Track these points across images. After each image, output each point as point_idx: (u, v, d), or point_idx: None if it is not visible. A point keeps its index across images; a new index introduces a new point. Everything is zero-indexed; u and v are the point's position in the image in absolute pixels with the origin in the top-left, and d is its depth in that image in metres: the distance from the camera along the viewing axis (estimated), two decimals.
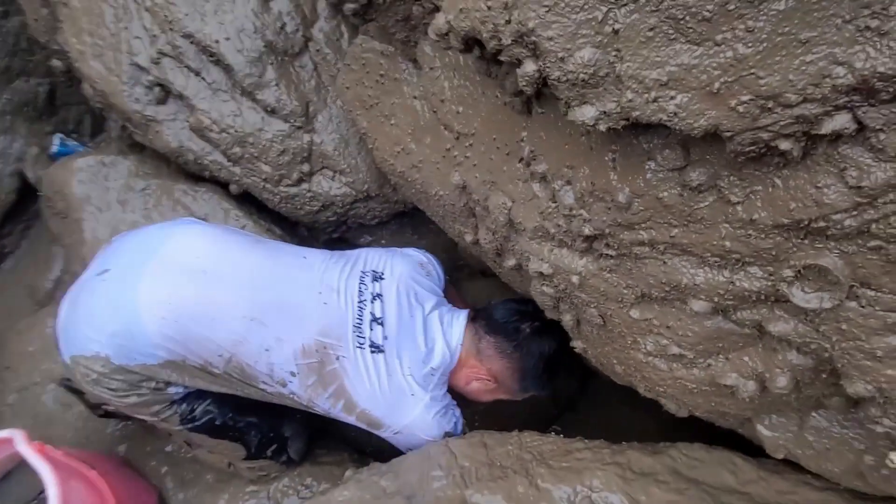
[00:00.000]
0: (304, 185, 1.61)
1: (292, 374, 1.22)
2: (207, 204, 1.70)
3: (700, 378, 0.98)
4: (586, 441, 1.13)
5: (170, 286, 1.16)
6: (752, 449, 1.13)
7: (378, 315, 1.29)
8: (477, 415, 1.65)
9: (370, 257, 1.43)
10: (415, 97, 1.28)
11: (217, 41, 1.47)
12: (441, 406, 1.29)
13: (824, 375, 0.85)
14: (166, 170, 1.79)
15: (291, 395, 1.25)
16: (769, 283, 0.79)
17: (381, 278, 1.37)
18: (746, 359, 0.91)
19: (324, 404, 1.25)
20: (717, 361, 0.95)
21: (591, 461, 1.05)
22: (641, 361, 1.05)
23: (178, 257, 1.20)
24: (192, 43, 1.49)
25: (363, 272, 1.36)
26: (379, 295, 1.32)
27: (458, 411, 1.35)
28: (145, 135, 1.65)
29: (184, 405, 1.25)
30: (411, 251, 1.55)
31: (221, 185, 1.73)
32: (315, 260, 1.35)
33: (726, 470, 1.06)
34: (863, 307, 0.71)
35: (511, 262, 1.24)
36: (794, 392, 0.89)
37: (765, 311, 0.83)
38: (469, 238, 1.37)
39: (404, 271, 1.40)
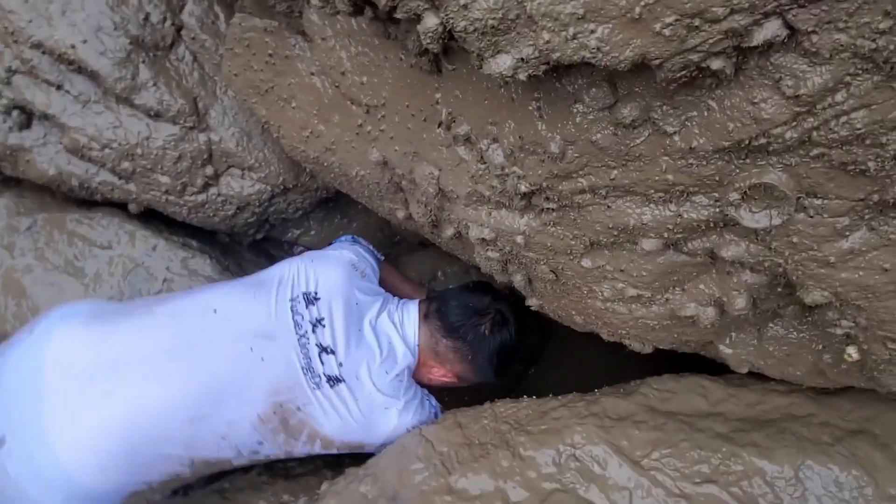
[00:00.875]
0: (213, 190, 1.47)
1: (259, 443, 1.13)
2: (107, 230, 1.53)
3: (660, 314, 0.97)
4: (560, 398, 1.10)
5: (86, 428, 1.00)
6: (715, 367, 1.15)
7: (325, 343, 1.15)
8: (444, 390, 1.61)
9: (294, 277, 1.23)
10: (312, 74, 1.17)
11: (73, 46, 1.28)
12: (416, 403, 1.21)
13: (779, 289, 0.85)
14: (52, 201, 1.60)
15: (267, 457, 1.18)
16: (716, 210, 0.76)
17: (316, 299, 1.20)
18: (702, 287, 0.90)
19: (302, 450, 1.17)
20: (675, 295, 0.93)
21: (569, 418, 1.03)
22: (600, 309, 1.02)
23: (72, 385, 1.02)
24: (43, 53, 1.30)
25: (292, 300, 1.19)
26: (319, 320, 1.17)
27: (432, 399, 1.30)
28: (15, 167, 1.44)
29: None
30: (335, 251, 1.36)
31: (120, 206, 1.55)
32: (230, 309, 1.15)
33: (697, 395, 1.07)
34: (811, 217, 0.70)
35: (449, 232, 1.17)
36: (752, 310, 0.89)
37: (715, 238, 0.81)
38: (401, 214, 1.29)
39: (338, 281, 1.24)
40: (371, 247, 1.50)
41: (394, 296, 1.36)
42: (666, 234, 0.82)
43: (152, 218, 1.58)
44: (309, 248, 1.79)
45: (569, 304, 1.09)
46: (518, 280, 1.12)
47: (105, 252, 1.52)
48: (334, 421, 1.14)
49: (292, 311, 1.17)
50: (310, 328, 1.16)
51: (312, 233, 1.78)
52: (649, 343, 1.07)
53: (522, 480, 0.96)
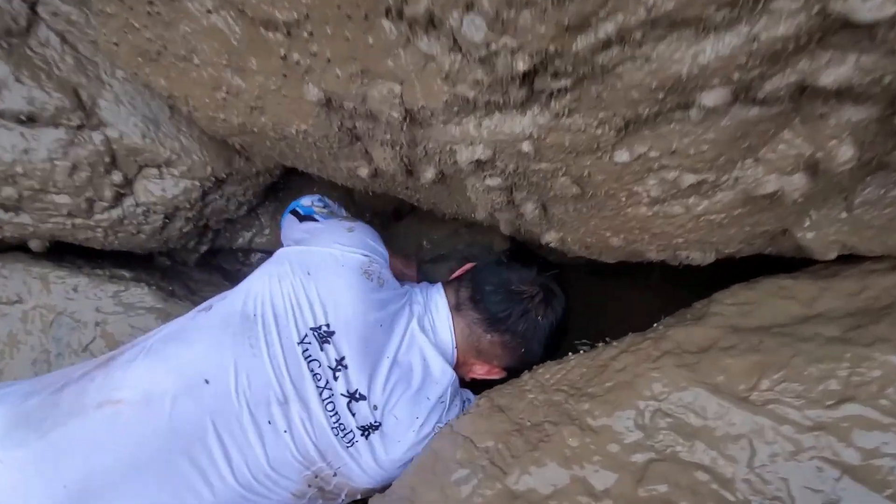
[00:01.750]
0: (128, 201, 1.18)
1: None
2: (11, 280, 1.23)
3: (729, 202, 0.73)
4: (615, 343, 0.87)
5: None
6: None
7: (353, 389, 0.89)
8: None
9: (294, 306, 0.91)
10: (209, 11, 0.89)
11: None
12: (457, 412, 0.99)
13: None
14: None
15: None
16: (810, 13, 0.52)
17: (329, 334, 0.90)
18: (785, 147, 0.67)
19: None
20: (747, 170, 0.70)
21: (637, 365, 0.79)
22: (646, 217, 0.78)
23: None
24: None
25: (302, 342, 0.88)
26: (340, 361, 0.89)
27: (467, 393, 1.06)
28: None
29: None
30: (335, 250, 1.00)
31: (20, 248, 1.25)
32: (226, 374, 0.84)
33: (783, 298, 0.84)
34: None
35: (430, 174, 0.92)
36: (857, 161, 0.66)
37: (805, 64, 0.57)
38: (364, 172, 1.03)
39: (354, 303, 0.92)
40: (376, 238, 1.12)
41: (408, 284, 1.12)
42: (736, 76, 0.58)
43: (65, 253, 1.29)
44: (269, 253, 1.52)
45: (600, 224, 0.85)
46: (530, 210, 0.87)
47: (15, 307, 1.23)
48: (374, 474, 0.91)
49: (305, 357, 0.88)
50: (330, 375, 0.88)
51: (267, 231, 1.50)
52: (712, 248, 0.84)
53: (604, 459, 0.72)
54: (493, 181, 0.81)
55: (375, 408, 0.90)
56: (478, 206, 0.98)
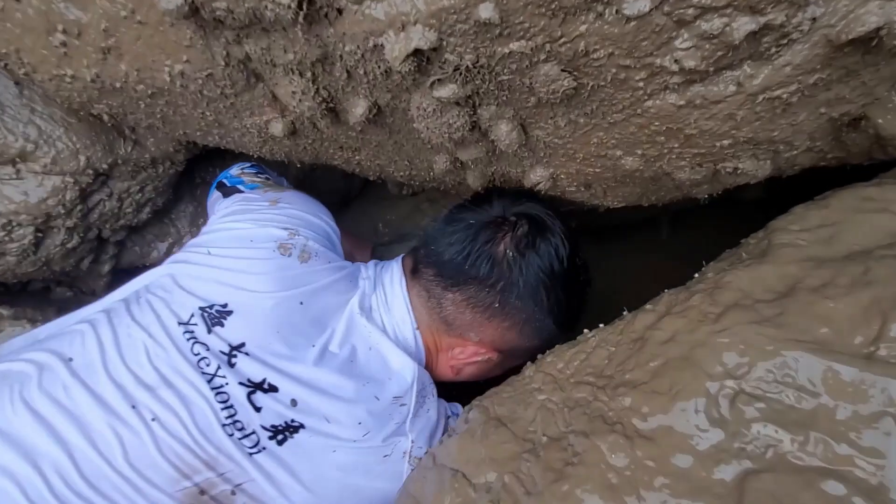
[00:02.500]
0: None
1: None
2: None
3: (804, 60, 0.48)
4: (649, 305, 0.61)
5: None
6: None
7: (258, 379, 0.66)
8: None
9: (185, 286, 0.73)
10: None
11: None
12: (431, 431, 0.72)
13: None
14: None
15: None
16: None
17: (226, 314, 0.70)
18: None
19: None
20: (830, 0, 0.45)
21: (692, 330, 0.54)
22: (677, 109, 0.53)
23: None
24: None
25: (187, 323, 0.69)
26: (238, 347, 0.68)
27: (456, 407, 0.80)
28: None
29: None
30: (254, 224, 0.82)
31: None
32: (92, 351, 0.66)
33: (873, 213, 0.60)
34: None
35: (361, 108, 0.66)
36: None
37: None
38: (279, 127, 0.76)
39: (261, 282, 0.74)
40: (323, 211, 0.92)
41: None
42: None
43: None
44: None
45: (607, 139, 0.59)
46: (504, 135, 0.61)
47: None
48: (299, 498, 0.63)
49: (188, 339, 0.68)
50: (224, 361, 0.67)
51: (187, 240, 1.22)
52: (770, 151, 0.59)
53: (672, 482, 0.46)
54: (446, 89, 0.55)
55: (294, 403, 0.65)
56: (433, 150, 0.72)
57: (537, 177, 0.69)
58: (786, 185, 1.00)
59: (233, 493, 0.62)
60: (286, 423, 0.65)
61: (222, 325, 0.69)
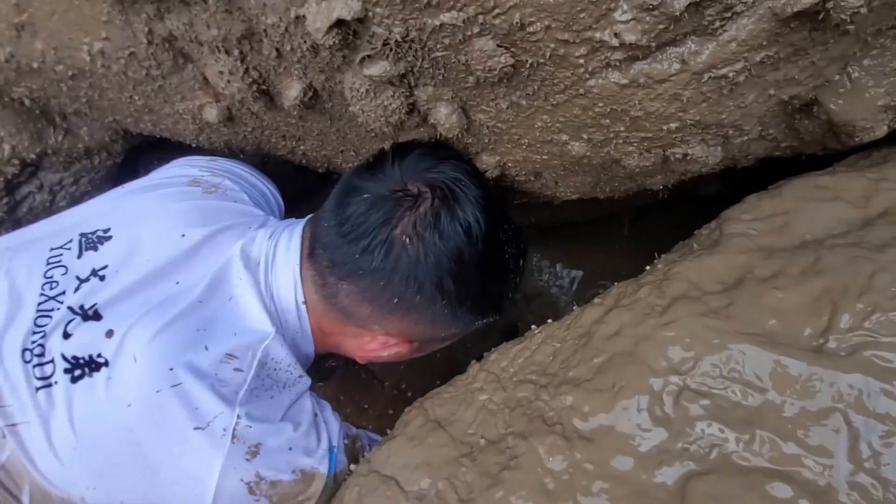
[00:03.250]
0: None
1: None
2: None
3: (750, 34, 0.45)
4: (599, 298, 0.58)
5: None
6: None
7: (90, 305, 0.57)
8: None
9: (80, 220, 0.67)
10: None
11: None
12: (277, 428, 0.58)
13: None
14: None
15: None
16: None
17: (105, 239, 0.63)
18: None
19: None
20: None
21: (638, 323, 0.51)
22: (620, 89, 0.50)
23: None
24: None
25: (62, 247, 0.63)
26: (98, 270, 0.60)
27: (327, 413, 0.66)
28: None
29: None
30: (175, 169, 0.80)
31: None
32: None
33: (825, 201, 0.58)
34: None
35: (294, 90, 0.61)
36: None
37: None
38: (213, 113, 0.72)
39: (150, 206, 0.69)
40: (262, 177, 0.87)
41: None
42: None
43: None
44: None
45: (552, 122, 0.56)
46: (444, 117, 0.57)
47: None
48: (69, 460, 0.51)
49: (49, 263, 0.61)
50: (72, 285, 0.59)
51: None
52: (719, 135, 0.56)
53: (611, 486, 0.43)
54: (377, 67, 0.51)
55: (109, 334, 0.55)
56: (378, 137, 0.68)
57: (484, 165, 0.65)
58: (746, 180, 0.99)
59: (2, 435, 0.51)
60: (90, 356, 0.54)
61: (95, 250, 0.62)
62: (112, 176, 1.04)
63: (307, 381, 0.64)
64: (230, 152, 0.87)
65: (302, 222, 0.69)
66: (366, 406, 0.99)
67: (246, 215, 0.71)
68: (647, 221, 1.21)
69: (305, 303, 0.64)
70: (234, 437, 0.54)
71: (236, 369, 0.57)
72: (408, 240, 0.58)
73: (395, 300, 0.60)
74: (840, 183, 0.60)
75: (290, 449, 0.57)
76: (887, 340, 0.43)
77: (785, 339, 0.45)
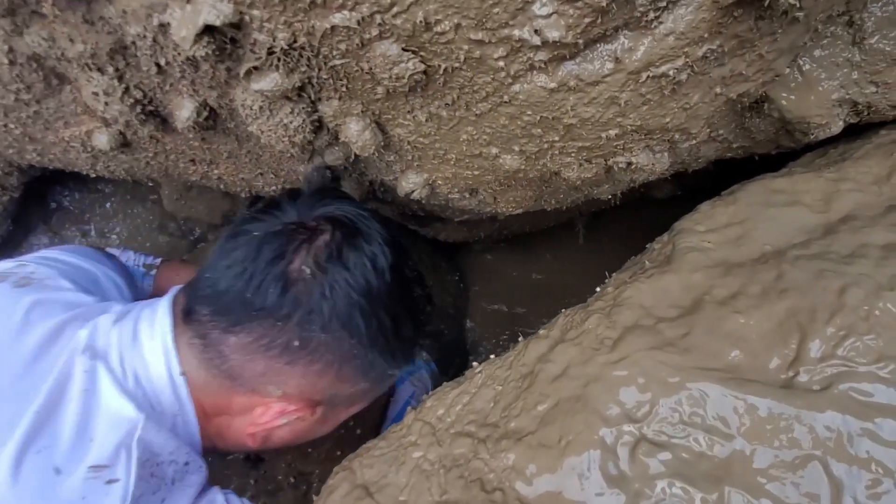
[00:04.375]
0: None
1: None
2: None
3: (689, 25, 0.39)
4: (544, 329, 0.51)
5: None
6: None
7: None
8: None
9: None
10: None
11: None
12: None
13: None
14: None
15: None
16: None
17: None
18: None
19: None
20: None
21: (587, 361, 0.44)
22: (548, 94, 0.43)
23: None
24: None
25: None
26: None
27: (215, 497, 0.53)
28: None
29: None
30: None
31: None
32: None
33: (783, 207, 0.53)
34: None
35: (187, 110, 0.53)
36: None
37: None
38: (104, 139, 0.63)
39: None
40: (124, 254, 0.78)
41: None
42: None
43: None
44: None
45: (478, 134, 0.49)
46: (356, 134, 0.50)
47: None
48: None
49: None
50: None
51: None
52: (665, 140, 0.50)
53: None
54: (267, 80, 0.43)
55: None
56: (293, 158, 0.60)
57: (410, 184, 0.58)
58: (700, 179, 0.95)
59: None
60: None
61: None
62: (11, 213, 0.93)
63: (202, 469, 0.52)
64: (135, 181, 0.77)
65: (167, 296, 0.57)
66: (310, 450, 0.90)
67: (70, 308, 0.56)
68: (602, 227, 1.16)
69: (184, 374, 0.52)
70: None
71: (110, 481, 0.45)
72: (308, 272, 0.50)
73: (296, 343, 0.51)
74: (797, 185, 0.55)
75: None
76: (865, 370, 0.37)
77: (750, 374, 0.39)
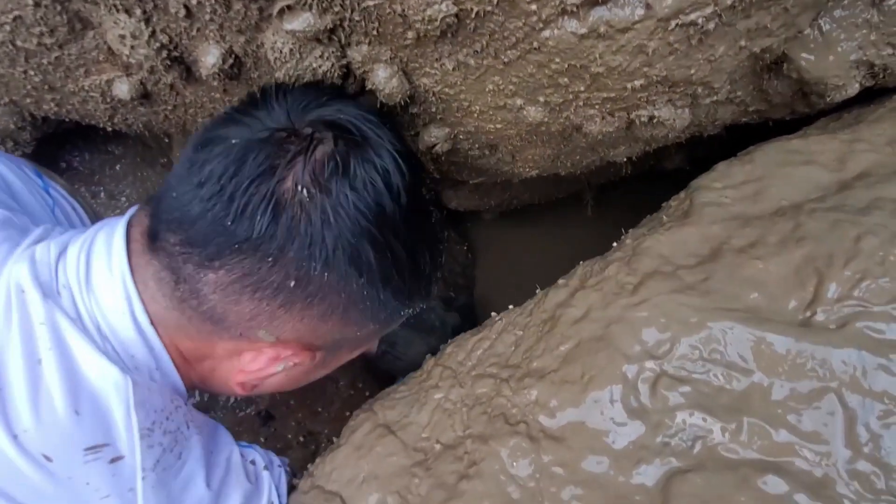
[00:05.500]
0: None
1: None
2: None
3: None
4: (563, 279, 0.52)
5: None
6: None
7: None
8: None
9: None
10: None
11: None
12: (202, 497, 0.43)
13: None
14: None
15: None
16: None
17: None
18: None
19: None
20: None
21: (608, 304, 0.45)
22: (578, 40, 0.44)
23: None
24: None
25: None
26: None
27: (258, 454, 0.52)
28: None
29: None
30: None
31: None
32: None
33: (799, 165, 0.54)
34: None
35: (213, 56, 0.53)
36: None
37: None
38: (125, 90, 0.63)
39: None
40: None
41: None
42: None
43: None
44: None
45: (504, 84, 0.50)
46: (382, 80, 0.50)
47: None
48: None
49: None
50: None
51: None
52: (687, 94, 0.51)
53: (584, 492, 0.37)
54: (300, 20, 0.44)
55: None
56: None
57: (433, 137, 0.59)
58: (709, 155, 0.96)
59: None
60: None
61: None
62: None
63: (195, 411, 0.48)
64: (145, 145, 0.78)
65: (121, 218, 0.47)
66: (319, 409, 0.92)
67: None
68: (610, 202, 1.17)
69: (152, 320, 0.44)
70: None
71: (114, 459, 0.39)
72: (305, 192, 0.40)
73: (291, 283, 0.42)
74: (812, 146, 0.56)
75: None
76: (880, 310, 0.39)
77: (769, 314, 0.41)
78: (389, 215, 0.43)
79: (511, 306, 0.55)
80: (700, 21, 0.42)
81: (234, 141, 0.42)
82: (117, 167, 1.06)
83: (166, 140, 0.93)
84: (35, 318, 0.40)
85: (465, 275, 1.14)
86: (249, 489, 0.47)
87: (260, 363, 0.46)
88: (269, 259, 0.41)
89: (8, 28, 0.56)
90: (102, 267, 0.43)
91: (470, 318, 1.13)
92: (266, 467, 0.50)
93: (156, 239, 0.43)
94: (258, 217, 0.40)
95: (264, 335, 0.44)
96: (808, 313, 0.40)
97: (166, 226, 0.43)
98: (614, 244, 0.56)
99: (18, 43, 0.58)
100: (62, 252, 0.45)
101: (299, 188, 0.40)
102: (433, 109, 0.56)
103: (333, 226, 0.41)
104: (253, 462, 0.49)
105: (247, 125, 0.43)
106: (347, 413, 0.95)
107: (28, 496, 0.38)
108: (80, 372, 0.40)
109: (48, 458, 0.37)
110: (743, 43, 0.47)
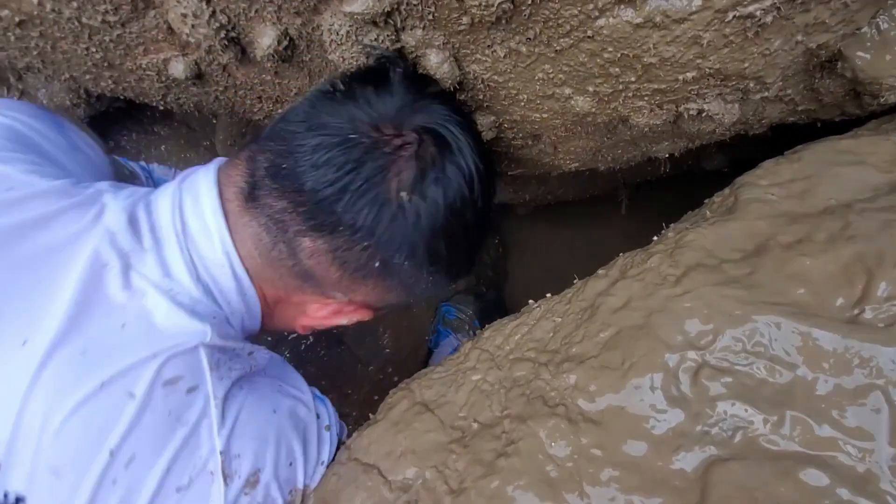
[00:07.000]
0: None
1: None
2: None
3: None
4: (603, 269, 0.53)
5: None
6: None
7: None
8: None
9: None
10: None
11: None
12: (264, 428, 0.49)
13: None
14: None
15: None
16: None
17: None
18: None
19: None
20: None
21: (649, 294, 0.45)
22: (633, 29, 0.44)
23: None
24: None
25: None
26: None
27: (325, 408, 0.57)
28: None
29: None
30: None
31: None
32: None
33: (848, 166, 0.53)
34: None
35: (269, 37, 0.55)
36: None
37: None
38: (180, 67, 0.66)
39: None
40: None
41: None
42: None
43: None
44: None
45: (554, 73, 0.51)
46: (434, 65, 0.51)
47: None
48: None
49: None
50: None
51: None
52: (738, 88, 0.51)
53: (622, 474, 0.38)
54: (360, 2, 0.45)
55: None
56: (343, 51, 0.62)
57: (478, 125, 0.60)
58: (749, 158, 0.95)
59: None
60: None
61: None
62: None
63: (263, 349, 0.53)
64: (201, 116, 0.80)
65: (205, 169, 0.53)
66: (349, 391, 0.93)
67: (63, 196, 0.49)
68: (644, 203, 1.16)
69: (247, 269, 0.50)
70: (234, 476, 0.44)
71: (190, 389, 0.43)
72: (406, 197, 0.47)
73: (376, 265, 0.49)
74: (864, 147, 0.55)
75: (291, 464, 0.49)
76: None
77: (815, 310, 0.40)
78: (467, 217, 0.51)
79: (549, 294, 0.56)
80: (758, 13, 0.42)
81: (351, 135, 0.47)
82: (162, 147, 1.10)
83: (213, 120, 0.95)
84: (109, 274, 0.44)
85: (494, 267, 1.15)
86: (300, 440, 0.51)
87: (325, 312, 0.55)
88: (365, 243, 0.48)
89: (75, 5, 0.59)
90: (199, 228, 0.49)
91: (499, 313, 1.13)
92: (328, 427, 0.55)
93: (255, 200, 0.49)
94: (364, 211, 0.47)
95: (339, 296, 0.53)
96: (856, 311, 0.40)
97: (269, 192, 0.48)
98: (654, 238, 0.56)
99: (84, 19, 0.61)
100: (134, 204, 0.50)
101: (402, 194, 0.47)
102: (480, 97, 0.57)
103: (424, 228, 0.48)
104: (318, 416, 0.54)
105: (357, 106, 0.48)
106: (376, 397, 0.97)
107: None
108: (156, 323, 0.44)
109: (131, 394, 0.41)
110: (799, 38, 0.46)
